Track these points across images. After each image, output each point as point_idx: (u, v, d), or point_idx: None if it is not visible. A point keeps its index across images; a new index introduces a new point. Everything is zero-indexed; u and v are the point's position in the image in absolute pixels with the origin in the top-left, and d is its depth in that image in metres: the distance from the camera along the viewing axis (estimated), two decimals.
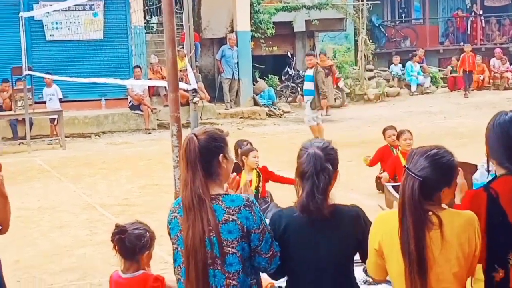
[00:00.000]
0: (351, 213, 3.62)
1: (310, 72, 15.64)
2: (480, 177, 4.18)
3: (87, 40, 19.72)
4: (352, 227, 3.57)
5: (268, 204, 8.17)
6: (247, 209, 3.44)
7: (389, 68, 27.33)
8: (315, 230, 3.55)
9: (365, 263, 3.61)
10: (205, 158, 3.47)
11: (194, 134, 3.52)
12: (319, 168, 3.52)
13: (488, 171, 3.74)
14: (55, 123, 17.75)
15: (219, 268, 3.43)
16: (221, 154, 3.54)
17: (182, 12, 14.72)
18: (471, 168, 4.70)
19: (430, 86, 26.34)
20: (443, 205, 3.37)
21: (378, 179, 10.23)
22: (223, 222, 3.41)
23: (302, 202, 3.53)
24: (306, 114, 15.64)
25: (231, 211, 3.43)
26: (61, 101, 18.39)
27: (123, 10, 20.08)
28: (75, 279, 7.45)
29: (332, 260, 3.56)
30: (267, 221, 3.61)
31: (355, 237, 3.53)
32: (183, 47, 16.14)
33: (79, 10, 19.53)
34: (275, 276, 3.76)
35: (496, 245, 3.41)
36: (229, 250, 3.42)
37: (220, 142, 3.56)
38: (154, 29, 23.04)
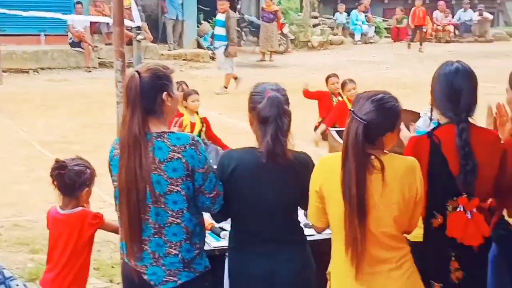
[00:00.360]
0: (305, 159, 3.62)
1: (221, 17, 15.33)
2: (422, 125, 4.22)
3: None
4: (304, 173, 3.54)
5: (208, 146, 8.15)
6: (193, 147, 3.39)
7: (334, 16, 27.33)
8: (268, 172, 3.53)
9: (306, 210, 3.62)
10: (148, 95, 3.39)
11: (136, 71, 3.42)
12: (282, 111, 3.50)
13: (431, 119, 3.78)
14: None
15: (162, 206, 3.39)
16: (165, 92, 3.46)
17: None
18: (414, 116, 4.75)
19: (374, 36, 26.48)
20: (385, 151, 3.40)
21: (316, 128, 10.25)
22: (168, 160, 3.36)
23: (268, 146, 3.48)
24: (220, 61, 15.42)
25: (176, 149, 3.37)
26: None
27: None
28: (10, 215, 7.38)
29: (281, 204, 3.56)
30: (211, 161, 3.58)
31: (305, 183, 3.52)
32: None
33: None
34: (217, 217, 3.75)
35: (437, 192, 3.47)
36: (173, 188, 3.37)
37: (164, 80, 3.47)
38: None
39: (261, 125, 3.52)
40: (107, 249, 6.27)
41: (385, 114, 3.30)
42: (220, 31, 15.17)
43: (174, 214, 3.40)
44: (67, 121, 12.20)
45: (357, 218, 3.22)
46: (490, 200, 3.67)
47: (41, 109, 13.34)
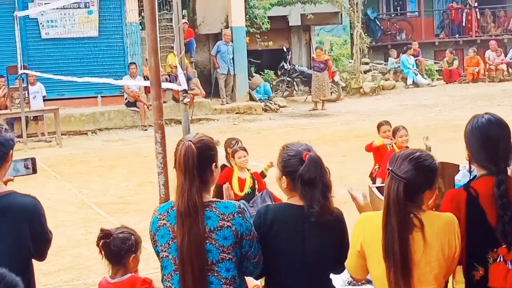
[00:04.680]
0: (339, 215, 3.69)
1: None
2: (462, 178, 4.23)
3: (82, 37, 19.80)
4: (340, 230, 3.67)
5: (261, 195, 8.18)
6: (240, 215, 3.49)
7: (385, 61, 27.32)
8: (309, 229, 3.61)
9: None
10: (202, 166, 3.51)
11: (190, 141, 3.52)
12: (323, 170, 3.66)
13: (470, 172, 3.80)
14: (42, 120, 17.79)
15: (215, 274, 3.46)
16: (214, 163, 3.60)
17: None
18: (454, 168, 4.75)
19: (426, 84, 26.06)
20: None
21: (372, 175, 10.26)
22: (218, 228, 3.45)
23: (321, 204, 3.59)
24: None
25: (225, 217, 3.47)
26: (44, 99, 18.33)
27: (118, 7, 20.11)
28: (69, 279, 7.50)
29: (319, 261, 3.64)
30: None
31: (338, 241, 3.61)
32: None
33: (74, 8, 19.54)
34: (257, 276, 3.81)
35: (476, 244, 3.48)
36: (225, 256, 3.46)
37: (213, 151, 3.61)
38: None
39: (305, 187, 3.61)
40: None
41: (423, 172, 3.36)
42: None
43: (228, 281, 3.47)
44: (123, 181, 12.43)
45: (401, 277, 3.26)
46: None
47: (98, 170, 13.63)
